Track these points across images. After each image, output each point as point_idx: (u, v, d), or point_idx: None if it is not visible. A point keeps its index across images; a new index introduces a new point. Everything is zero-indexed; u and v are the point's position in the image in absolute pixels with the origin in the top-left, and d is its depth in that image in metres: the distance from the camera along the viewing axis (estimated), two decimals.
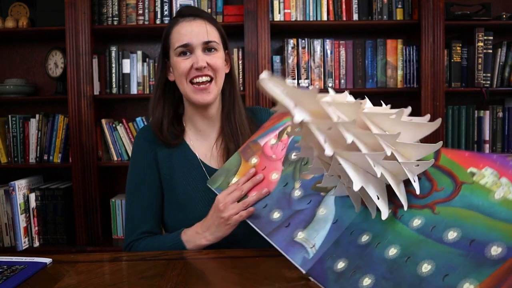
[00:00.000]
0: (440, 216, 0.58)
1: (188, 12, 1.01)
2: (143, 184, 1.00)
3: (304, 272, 0.64)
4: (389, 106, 0.65)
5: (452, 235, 0.55)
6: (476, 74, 2.03)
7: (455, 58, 2.07)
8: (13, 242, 1.99)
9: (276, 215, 0.74)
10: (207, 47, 0.98)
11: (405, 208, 0.62)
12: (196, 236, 0.87)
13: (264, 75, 0.58)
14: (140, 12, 2.03)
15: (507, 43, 2.09)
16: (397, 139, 0.59)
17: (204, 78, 0.97)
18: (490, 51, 2.04)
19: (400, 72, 2.08)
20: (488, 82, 2.05)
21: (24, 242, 1.96)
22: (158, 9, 2.02)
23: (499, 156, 0.61)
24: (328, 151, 0.56)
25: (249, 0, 1.95)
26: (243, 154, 0.86)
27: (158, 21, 2.03)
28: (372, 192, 0.60)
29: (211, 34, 0.99)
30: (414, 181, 0.62)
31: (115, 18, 2.03)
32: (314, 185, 0.75)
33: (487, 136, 2.12)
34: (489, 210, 0.55)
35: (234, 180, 0.83)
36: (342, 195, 0.69)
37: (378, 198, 0.61)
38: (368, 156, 0.58)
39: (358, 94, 2.25)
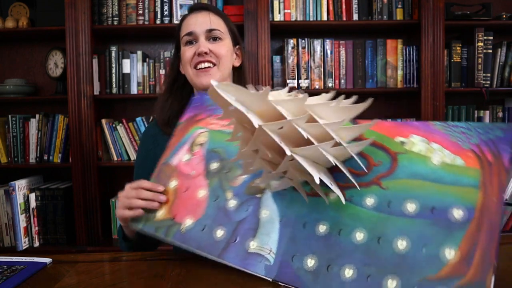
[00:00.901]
0: (390, 191, 0.59)
1: (195, 7, 1.07)
2: (139, 175, 1.02)
3: (271, 280, 0.60)
4: (328, 94, 0.64)
5: (411, 207, 0.56)
6: (476, 74, 2.03)
7: (455, 58, 2.08)
8: (13, 242, 1.99)
9: (219, 233, 0.66)
10: (211, 36, 1.02)
11: (358, 187, 0.61)
12: None
13: (214, 83, 0.58)
14: (140, 12, 2.03)
15: (507, 43, 2.09)
16: (335, 123, 0.60)
17: (207, 64, 1.00)
18: (490, 51, 2.04)
19: (400, 72, 2.08)
20: (488, 82, 2.05)
21: (24, 242, 1.96)
22: (158, 9, 2.02)
23: (421, 122, 0.64)
24: (288, 151, 0.56)
25: (249, 0, 1.95)
26: (159, 181, 0.76)
27: (158, 21, 2.03)
28: (327, 180, 0.60)
29: (215, 23, 1.02)
30: (358, 159, 0.62)
31: (115, 18, 2.03)
32: (246, 189, 0.70)
33: None
34: (433, 176, 0.57)
35: (159, 212, 0.73)
36: (286, 187, 0.67)
37: (332, 185, 0.61)
38: (320, 147, 0.57)
39: (358, 94, 2.25)
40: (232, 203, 0.69)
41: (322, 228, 0.61)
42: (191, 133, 0.81)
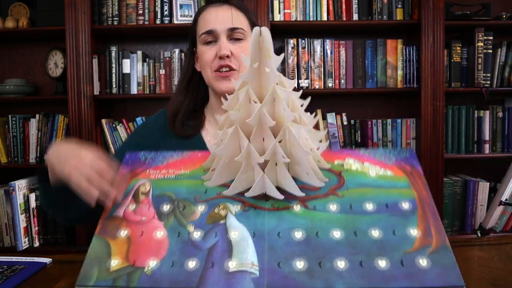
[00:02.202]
0: (347, 198, 0.69)
1: None
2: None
3: None
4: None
5: (369, 206, 0.68)
6: (476, 74, 2.03)
7: (455, 58, 2.08)
8: (13, 242, 1.99)
9: (191, 264, 0.62)
10: (233, 36, 0.94)
11: (322, 184, 0.71)
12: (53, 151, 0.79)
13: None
14: (140, 12, 2.03)
15: (507, 43, 2.09)
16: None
17: (228, 68, 0.94)
18: (490, 51, 2.04)
19: (400, 72, 2.08)
20: (488, 82, 2.05)
21: (24, 242, 1.96)
22: (158, 9, 2.02)
23: (348, 150, 0.80)
24: (286, 159, 0.66)
25: (249, 0, 1.95)
26: (104, 234, 0.68)
27: (158, 21, 2.03)
28: (296, 190, 0.69)
29: (238, 21, 0.94)
30: (308, 174, 0.71)
31: (115, 18, 2.03)
32: (208, 219, 0.68)
33: (487, 136, 2.12)
34: (376, 184, 0.71)
35: (114, 262, 0.64)
36: (260, 192, 0.70)
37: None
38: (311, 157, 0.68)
39: (358, 94, 2.26)
40: (197, 234, 0.66)
41: (298, 235, 0.64)
42: (131, 186, 0.76)
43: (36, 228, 2.01)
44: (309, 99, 0.73)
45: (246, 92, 0.66)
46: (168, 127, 1.01)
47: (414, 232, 0.63)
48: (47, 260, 0.74)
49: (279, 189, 0.70)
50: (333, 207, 0.68)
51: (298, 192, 0.69)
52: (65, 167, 0.73)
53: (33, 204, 2.00)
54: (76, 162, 0.72)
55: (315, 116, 0.75)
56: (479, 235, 1.23)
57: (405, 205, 0.68)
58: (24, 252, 1.94)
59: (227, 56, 0.92)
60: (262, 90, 0.68)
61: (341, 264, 0.60)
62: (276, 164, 0.69)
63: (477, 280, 0.62)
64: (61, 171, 0.73)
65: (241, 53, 0.92)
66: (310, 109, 0.69)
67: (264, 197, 0.70)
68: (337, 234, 0.64)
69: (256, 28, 0.62)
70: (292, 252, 0.62)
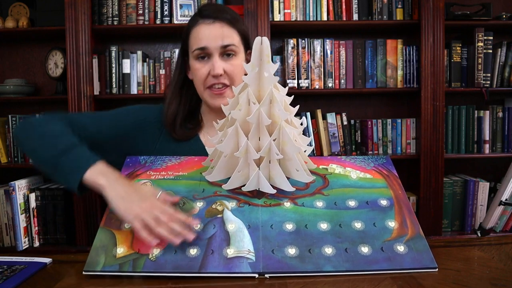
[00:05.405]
0: (332, 196, 0.79)
1: (207, 13, 0.99)
2: (108, 126, 1.08)
3: (257, 276, 0.64)
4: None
5: (352, 202, 0.77)
6: (476, 74, 2.03)
7: (455, 58, 2.08)
8: (13, 242, 1.99)
9: (193, 251, 0.68)
10: (225, 52, 0.98)
11: (310, 180, 0.80)
12: (111, 175, 0.78)
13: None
14: (140, 12, 2.03)
15: (507, 43, 2.09)
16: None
17: (220, 85, 0.98)
18: (490, 51, 2.04)
19: (400, 72, 2.08)
20: (488, 82, 2.05)
21: (24, 242, 1.96)
22: (158, 9, 2.02)
23: (332, 157, 0.90)
24: (278, 155, 0.75)
25: (249, 0, 1.95)
26: (110, 226, 0.75)
27: (158, 21, 2.03)
28: (287, 185, 0.78)
29: (229, 38, 0.97)
30: (297, 170, 0.79)
31: (115, 18, 2.03)
32: (206, 213, 0.75)
33: (487, 136, 2.12)
34: (357, 185, 0.81)
35: (120, 250, 0.70)
36: (254, 187, 0.78)
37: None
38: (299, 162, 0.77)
39: (358, 94, 2.26)
40: (197, 226, 0.73)
41: (289, 226, 0.72)
42: (136, 183, 0.83)
43: (36, 228, 2.01)
44: (297, 107, 0.81)
45: (246, 94, 0.74)
46: (163, 125, 1.04)
47: (392, 223, 0.73)
48: (47, 260, 0.74)
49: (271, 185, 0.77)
50: (319, 203, 0.77)
51: (289, 187, 0.77)
52: (132, 207, 0.72)
53: (33, 204, 2.00)
54: (147, 205, 0.72)
55: (301, 124, 0.83)
56: (479, 235, 1.23)
57: (384, 202, 0.77)
58: (24, 252, 1.94)
59: (220, 75, 0.96)
60: (260, 92, 0.76)
61: (328, 250, 0.68)
62: (270, 162, 0.76)
63: (477, 280, 0.62)
64: (125, 209, 0.73)
65: (233, 70, 0.97)
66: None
67: (258, 195, 0.78)
68: (324, 225, 0.72)
69: (258, 38, 0.71)
70: (284, 241, 0.69)
